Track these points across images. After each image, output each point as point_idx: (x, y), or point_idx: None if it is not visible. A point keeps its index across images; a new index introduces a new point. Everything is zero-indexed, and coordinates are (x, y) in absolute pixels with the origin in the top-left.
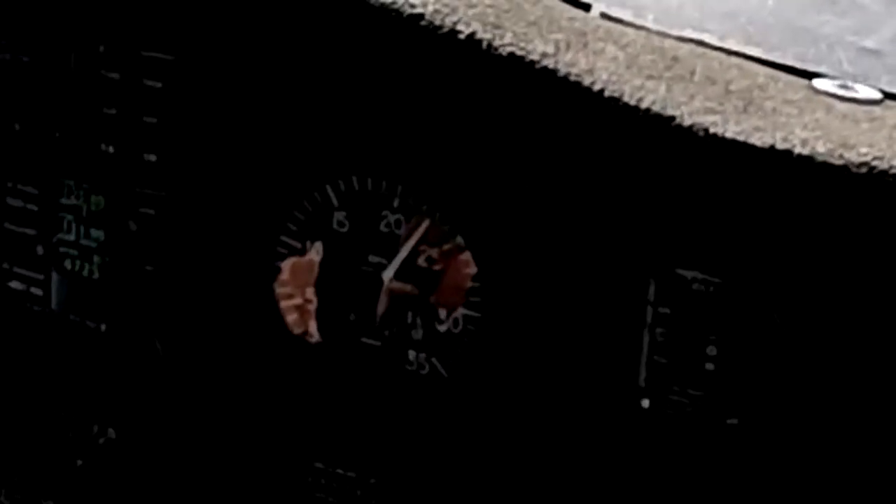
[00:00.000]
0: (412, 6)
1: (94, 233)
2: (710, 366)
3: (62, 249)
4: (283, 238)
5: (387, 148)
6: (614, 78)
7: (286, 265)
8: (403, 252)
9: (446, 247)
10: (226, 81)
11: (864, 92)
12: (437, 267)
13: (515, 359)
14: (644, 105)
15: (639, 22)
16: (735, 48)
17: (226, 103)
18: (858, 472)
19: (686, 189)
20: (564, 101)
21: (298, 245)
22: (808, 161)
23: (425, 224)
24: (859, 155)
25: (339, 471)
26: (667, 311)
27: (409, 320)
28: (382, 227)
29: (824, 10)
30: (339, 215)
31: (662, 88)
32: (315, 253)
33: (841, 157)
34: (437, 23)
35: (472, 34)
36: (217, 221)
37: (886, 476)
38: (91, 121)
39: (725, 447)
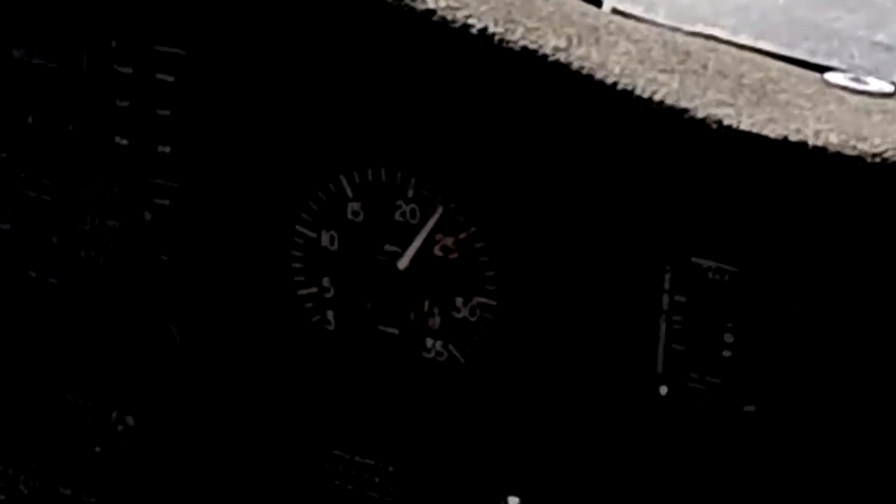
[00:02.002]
0: (424, 1)
1: (109, 222)
2: (727, 353)
3: (78, 239)
4: (298, 228)
5: (401, 139)
6: (627, 72)
7: None
8: (418, 241)
9: (462, 236)
10: (239, 74)
11: (877, 85)
12: (452, 256)
13: (532, 347)
14: (657, 98)
15: (650, 17)
16: (747, 43)
17: (239, 96)
18: (874, 459)
19: (700, 180)
20: (577, 95)
21: (313, 235)
22: (822, 152)
23: (438, 213)
24: (873, 146)
25: (358, 458)
26: (683, 299)
27: (427, 308)
28: (397, 217)
29: (836, 5)
30: (354, 205)
31: (675, 82)
32: None
33: (854, 148)
34: (450, 18)
35: (484, 29)
36: (232, 212)
37: None
38: (105, 114)
39: (743, 434)
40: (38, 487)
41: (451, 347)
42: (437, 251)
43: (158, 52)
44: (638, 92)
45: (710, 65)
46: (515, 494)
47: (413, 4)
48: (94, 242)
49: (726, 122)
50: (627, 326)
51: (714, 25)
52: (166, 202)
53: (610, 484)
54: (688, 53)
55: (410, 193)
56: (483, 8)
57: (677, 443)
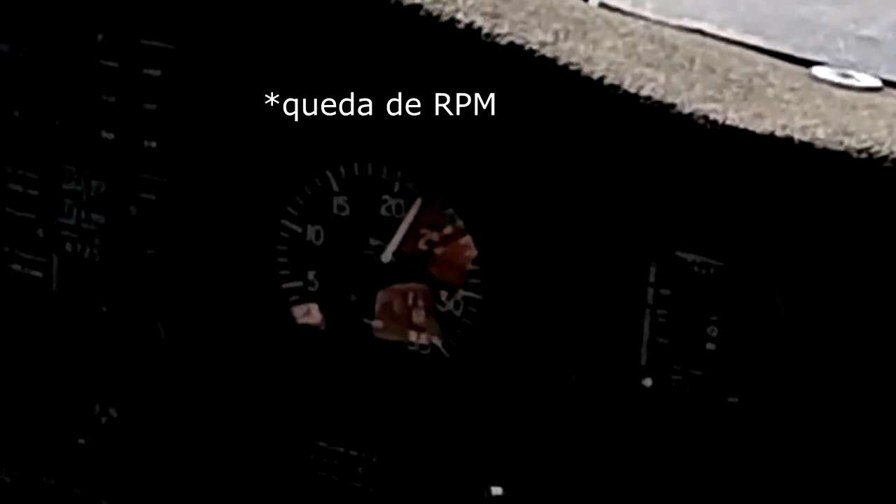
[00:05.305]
0: None
1: (95, 217)
2: (710, 346)
3: (63, 233)
4: (284, 222)
5: (387, 134)
6: (614, 66)
7: None
8: (400, 234)
9: (447, 230)
10: (225, 69)
11: (864, 80)
12: (437, 250)
13: (517, 340)
14: (644, 93)
15: (637, 11)
16: (734, 37)
17: (225, 90)
18: (856, 450)
19: (686, 175)
20: (564, 90)
21: (299, 229)
22: (809, 147)
23: (417, 205)
24: (859, 141)
25: (342, 449)
26: (668, 292)
27: (411, 302)
28: (383, 212)
29: (823, 0)
30: (340, 200)
31: (662, 77)
32: None
33: (841, 143)
34: (436, 12)
35: (471, 23)
36: (218, 206)
37: (883, 455)
38: (91, 108)
39: (726, 425)
40: (22, 478)
41: (435, 341)
42: (422, 245)
43: (145, 47)
44: (625, 87)
45: (698, 59)
46: (499, 485)
47: None
48: (79, 237)
49: (713, 117)
50: (612, 319)
51: (701, 19)
52: (152, 197)
53: (594, 475)
54: (675, 48)
55: (396, 188)
56: (470, 2)
57: (661, 434)
